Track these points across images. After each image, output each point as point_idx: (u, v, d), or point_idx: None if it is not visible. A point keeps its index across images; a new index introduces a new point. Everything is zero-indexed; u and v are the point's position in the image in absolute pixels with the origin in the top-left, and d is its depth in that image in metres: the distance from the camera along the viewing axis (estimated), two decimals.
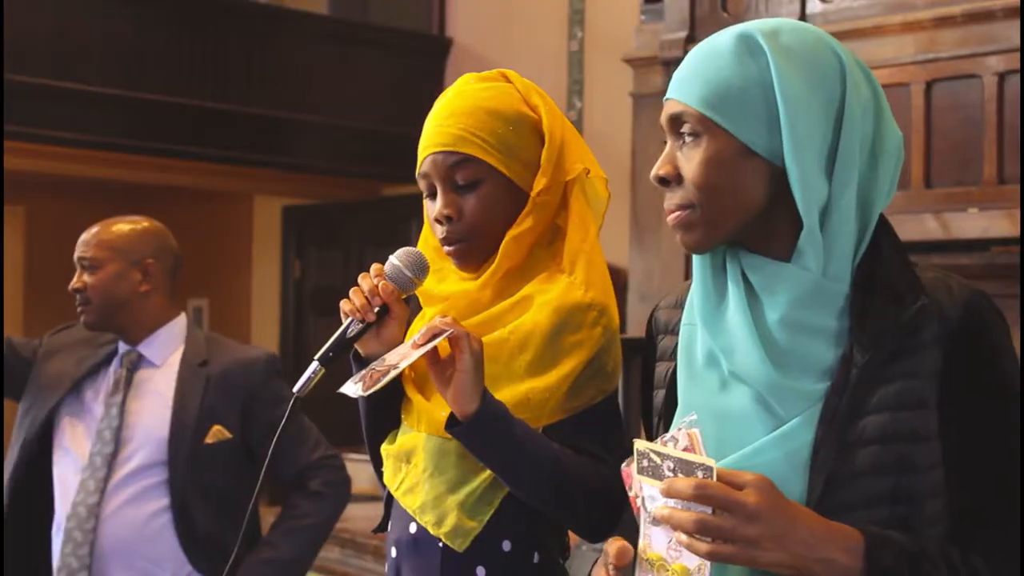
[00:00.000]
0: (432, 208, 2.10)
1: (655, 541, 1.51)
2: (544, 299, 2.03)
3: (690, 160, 1.59)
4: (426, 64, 10.31)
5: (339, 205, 11.08)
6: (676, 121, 1.61)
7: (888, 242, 1.61)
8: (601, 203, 2.18)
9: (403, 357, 1.91)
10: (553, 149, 2.10)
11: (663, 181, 1.62)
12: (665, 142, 1.65)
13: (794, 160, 1.55)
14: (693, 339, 1.66)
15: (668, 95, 1.63)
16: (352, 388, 1.93)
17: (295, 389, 1.97)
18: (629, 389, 4.46)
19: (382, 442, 2.17)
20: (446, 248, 2.10)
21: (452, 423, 1.92)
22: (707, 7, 7.07)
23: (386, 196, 10.82)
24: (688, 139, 1.60)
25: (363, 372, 1.95)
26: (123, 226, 3.37)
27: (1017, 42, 5.45)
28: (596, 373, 2.04)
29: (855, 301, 1.56)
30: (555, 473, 1.96)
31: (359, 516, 6.68)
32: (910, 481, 1.51)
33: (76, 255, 3.33)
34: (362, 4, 11.09)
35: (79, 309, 3.32)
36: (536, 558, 2.07)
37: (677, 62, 6.83)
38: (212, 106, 9.35)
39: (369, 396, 1.94)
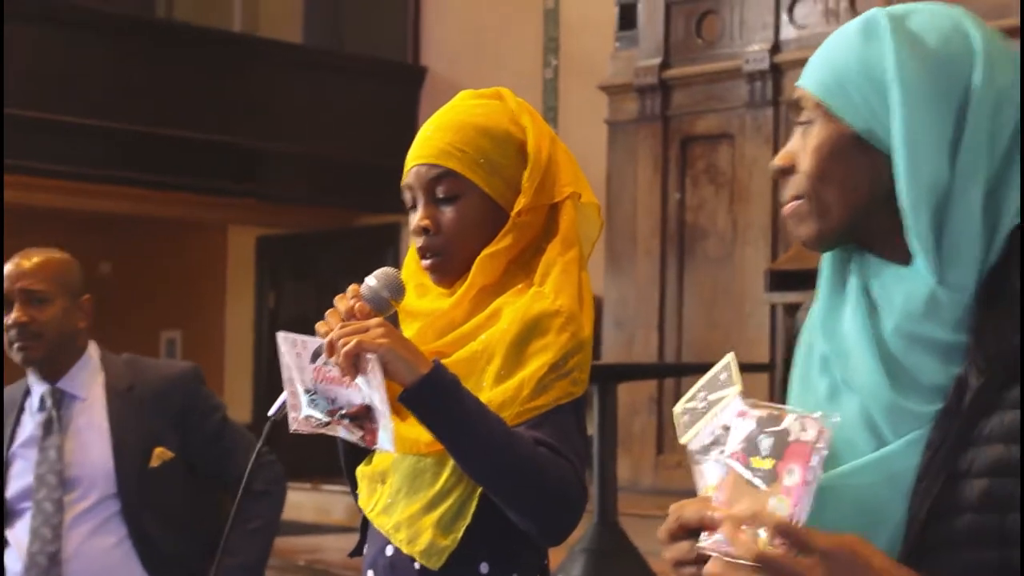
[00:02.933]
0: (413, 220, 2.11)
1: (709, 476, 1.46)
2: (512, 310, 2.03)
3: (804, 148, 1.52)
4: (400, 93, 10.33)
5: (314, 235, 11.07)
6: (797, 108, 1.54)
7: (1021, 254, 1.45)
8: (593, 229, 2.18)
9: (370, 395, 1.91)
10: (536, 170, 2.09)
11: (782, 171, 1.54)
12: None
13: (903, 150, 1.44)
14: (810, 342, 1.56)
15: (797, 82, 1.55)
16: (352, 437, 1.93)
17: (270, 413, 1.97)
18: (607, 413, 4.46)
19: (358, 461, 2.16)
20: (423, 262, 2.11)
21: (402, 392, 1.91)
22: (682, 33, 7.10)
23: (361, 225, 10.81)
24: (805, 126, 1.52)
25: (328, 421, 1.94)
26: (59, 256, 3.30)
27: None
28: (562, 376, 2.01)
29: (976, 316, 1.43)
30: (509, 453, 1.93)
31: (333, 547, 6.67)
32: (1016, 522, 1.37)
33: (18, 286, 3.19)
34: (336, 33, 11.09)
35: (19, 344, 3.17)
36: None
37: (651, 89, 6.88)
38: (185, 135, 9.34)
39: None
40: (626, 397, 4.66)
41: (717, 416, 1.48)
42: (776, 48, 6.73)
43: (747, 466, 1.38)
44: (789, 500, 1.34)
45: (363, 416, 1.91)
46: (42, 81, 8.77)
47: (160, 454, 3.16)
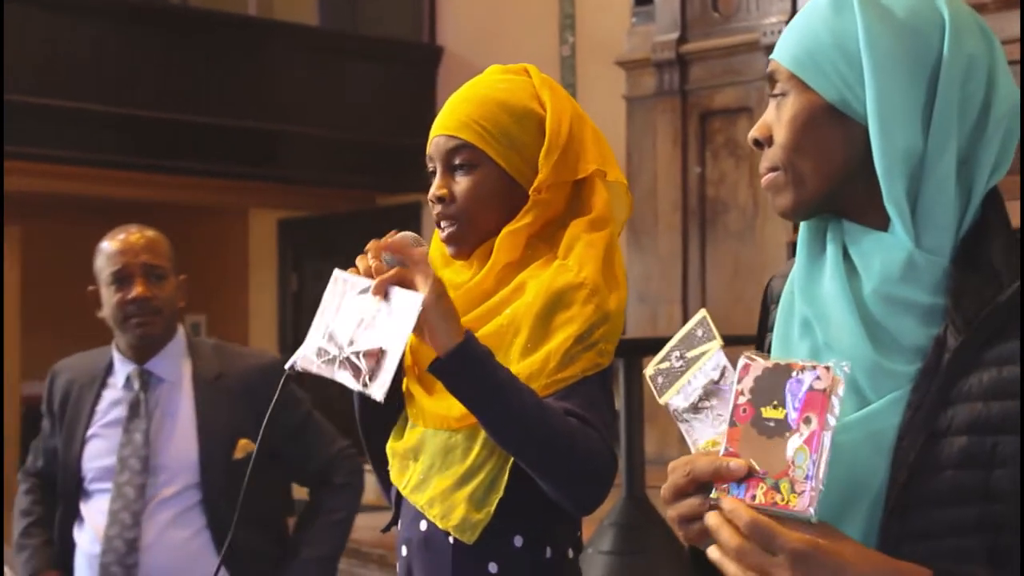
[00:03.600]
0: (430, 191, 2.15)
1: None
2: (536, 283, 2.05)
3: (778, 120, 1.54)
4: (417, 73, 10.32)
5: (334, 217, 11.08)
6: (771, 80, 1.56)
7: (996, 218, 1.50)
8: (622, 208, 2.20)
9: (389, 338, 1.90)
10: (554, 146, 2.11)
11: (757, 143, 1.57)
12: None
13: (876, 118, 1.47)
14: (791, 307, 1.58)
15: (771, 55, 1.58)
16: (349, 380, 1.91)
17: (287, 366, 2.00)
18: (632, 387, 4.47)
19: (381, 439, 2.18)
20: (440, 232, 2.15)
21: (433, 363, 1.93)
22: (698, 8, 7.08)
23: (381, 206, 10.82)
24: (779, 98, 1.55)
25: (335, 356, 1.94)
26: (163, 237, 3.27)
27: (1014, 33, 5.46)
28: (588, 348, 2.03)
29: (953, 278, 1.46)
30: (541, 423, 1.94)
31: (363, 526, 6.68)
32: (1001, 477, 1.39)
33: (141, 260, 3.16)
34: (352, 15, 11.09)
35: (138, 320, 3.15)
36: (548, 553, 2.08)
37: (669, 64, 6.87)
38: (204, 120, 9.35)
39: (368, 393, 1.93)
40: None
41: (700, 372, 1.49)
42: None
43: (757, 417, 1.39)
44: (809, 449, 1.36)
45: (373, 360, 1.90)
46: (59, 69, 8.79)
47: (244, 446, 3.13)
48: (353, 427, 2.26)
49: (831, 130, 1.51)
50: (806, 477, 1.35)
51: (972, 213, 1.50)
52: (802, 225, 1.58)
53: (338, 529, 3.27)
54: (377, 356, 1.90)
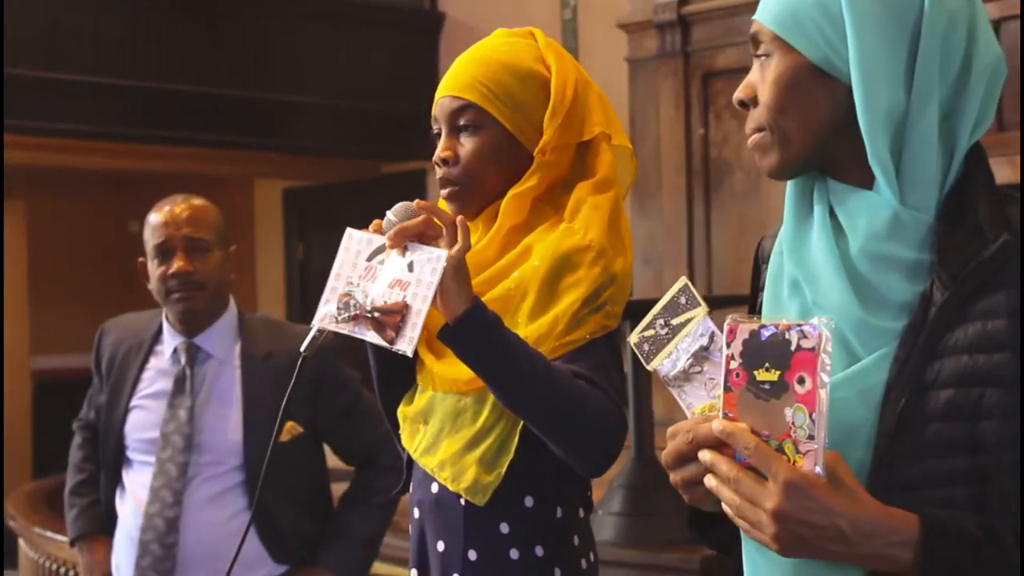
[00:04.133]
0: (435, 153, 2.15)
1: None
2: (542, 246, 2.06)
3: (763, 80, 1.55)
4: (420, 40, 10.30)
5: (339, 185, 11.08)
6: (754, 41, 1.57)
7: (979, 174, 1.51)
8: (627, 172, 2.21)
9: (413, 294, 1.91)
10: (559, 108, 2.12)
11: (742, 104, 1.58)
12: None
13: (859, 77, 1.48)
14: (780, 266, 1.59)
15: (753, 16, 1.58)
16: (372, 336, 1.92)
17: (302, 348, 2.01)
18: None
19: (397, 403, 2.20)
20: (442, 192, 2.15)
21: (443, 329, 1.94)
22: None
23: (386, 174, 10.81)
24: (763, 59, 1.55)
25: (357, 314, 1.94)
26: (210, 205, 3.18)
27: None
28: (595, 310, 2.04)
29: (939, 234, 1.47)
30: (550, 386, 1.95)
31: None
32: (987, 428, 1.41)
33: (182, 233, 3.09)
34: None
35: (180, 295, 3.09)
36: (559, 513, 2.10)
37: (671, 25, 6.84)
38: (207, 91, 9.34)
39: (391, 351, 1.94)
40: None
41: (689, 338, 1.50)
42: None
43: (752, 380, 1.40)
44: (807, 408, 1.37)
45: (397, 315, 1.90)
46: (63, 41, 8.77)
47: (290, 428, 3.03)
48: None
49: (815, 89, 1.52)
50: (809, 437, 1.37)
51: (956, 169, 1.51)
52: (788, 184, 1.59)
53: (383, 511, 3.19)
54: (401, 311, 1.90)
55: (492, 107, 2.11)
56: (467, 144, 2.12)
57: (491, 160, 2.12)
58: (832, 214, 1.54)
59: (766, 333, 1.40)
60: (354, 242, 1.98)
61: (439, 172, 2.14)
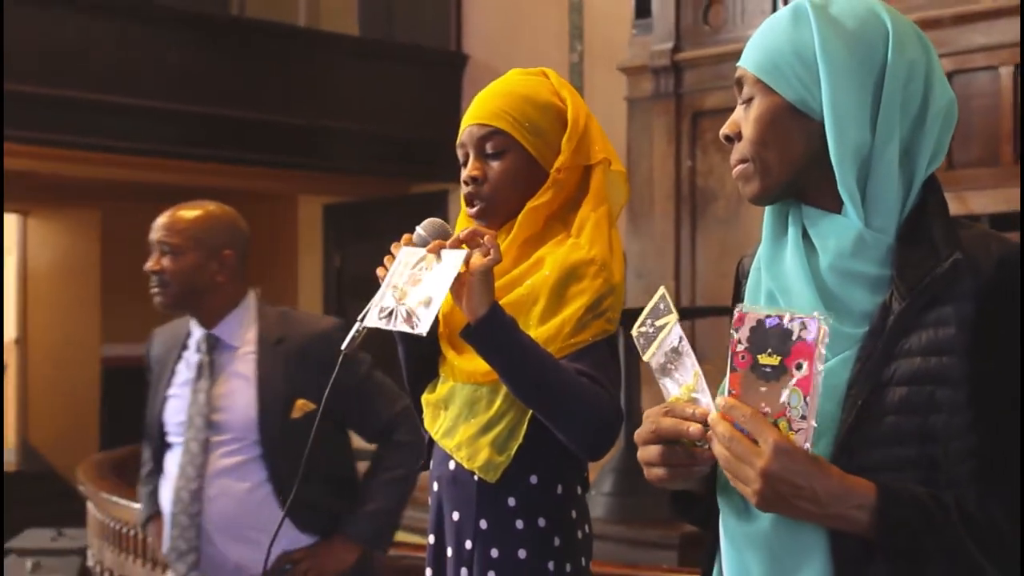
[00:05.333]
0: (464, 173, 2.15)
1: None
2: (553, 258, 2.07)
3: (746, 118, 1.55)
4: (445, 76, 10.31)
5: (373, 202, 11.09)
6: (739, 84, 1.58)
7: (934, 201, 1.51)
8: (621, 195, 2.21)
9: (434, 284, 1.94)
10: (575, 133, 2.13)
11: (728, 139, 1.59)
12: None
13: (831, 116, 1.48)
14: (758, 281, 1.60)
15: (738, 63, 1.60)
16: (403, 326, 1.95)
17: (343, 347, 2.03)
18: (632, 352, 4.48)
19: (422, 391, 2.21)
20: (469, 210, 2.15)
21: (465, 329, 1.95)
22: (691, 20, 7.07)
23: (414, 192, 10.82)
24: (747, 100, 1.56)
25: (387, 308, 1.98)
26: (200, 213, 3.11)
27: (967, 45, 5.44)
28: (597, 316, 2.05)
29: (898, 253, 1.48)
30: (557, 383, 1.97)
31: None
32: (936, 421, 1.42)
33: (155, 238, 3.07)
34: (388, 24, 11.08)
35: (154, 290, 3.06)
36: (559, 490, 2.10)
37: (665, 70, 6.83)
38: (258, 117, 9.37)
39: (414, 339, 1.99)
40: None
41: (665, 340, 1.52)
42: None
43: (755, 363, 1.41)
44: (802, 392, 1.38)
45: (423, 306, 1.93)
46: (134, 71, 8.81)
47: (302, 406, 2.97)
48: None
49: (792, 126, 1.52)
50: (801, 416, 1.37)
51: (913, 197, 1.52)
52: (767, 209, 1.59)
53: (399, 485, 3.11)
54: (426, 303, 1.93)
55: (517, 133, 2.12)
56: (495, 166, 2.13)
57: (515, 179, 2.12)
58: (805, 235, 1.54)
59: (771, 322, 1.40)
60: (403, 255, 2.02)
61: (466, 190, 2.14)
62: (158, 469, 3.18)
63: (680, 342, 1.50)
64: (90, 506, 5.46)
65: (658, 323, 1.53)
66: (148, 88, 8.85)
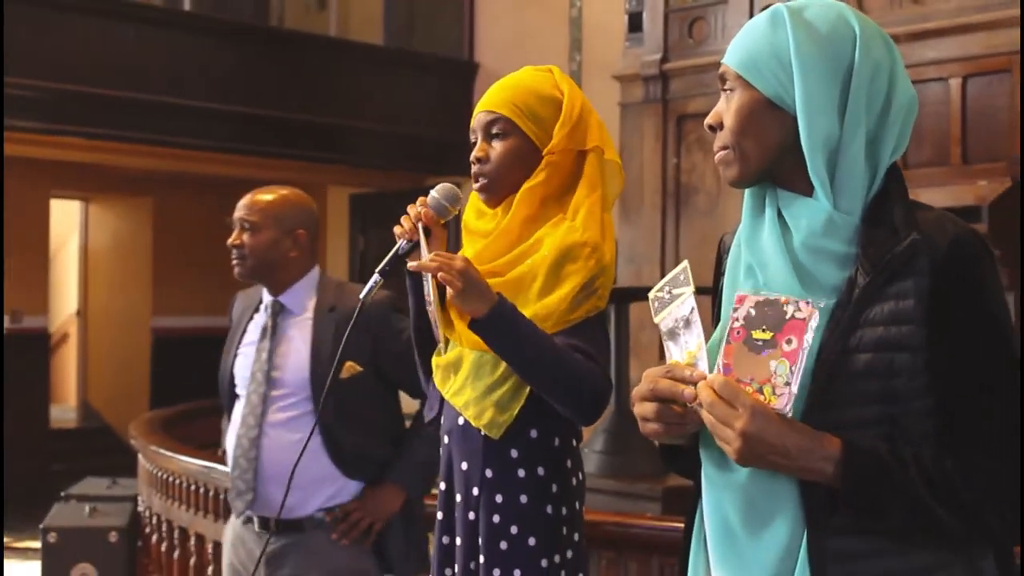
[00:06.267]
0: (472, 154, 2.17)
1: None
2: (551, 239, 2.07)
3: (728, 110, 1.55)
4: (458, 82, 10.31)
5: (393, 193, 11.07)
6: (722, 79, 1.57)
7: (896, 187, 1.51)
8: (617, 183, 2.20)
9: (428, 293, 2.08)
10: (567, 120, 2.13)
11: (711, 128, 1.58)
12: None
13: (803, 110, 1.48)
14: (738, 256, 1.59)
15: (722, 60, 1.59)
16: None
17: (360, 295, 2.09)
18: (621, 326, 4.50)
19: (429, 354, 2.23)
20: (475, 184, 2.16)
21: (472, 323, 1.99)
22: (677, 35, 7.07)
23: (429, 185, 10.72)
24: (728, 93, 1.56)
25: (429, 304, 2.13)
26: (278, 196, 3.10)
27: (919, 59, 5.43)
28: (590, 294, 2.05)
29: (863, 232, 1.48)
30: (554, 362, 1.98)
31: None
32: (897, 384, 1.43)
33: (237, 215, 3.06)
34: (409, 36, 11.07)
35: (234, 261, 3.06)
36: (556, 442, 2.11)
37: (654, 78, 6.80)
38: (294, 116, 9.38)
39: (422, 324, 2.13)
40: (636, 315, 4.70)
41: (680, 307, 1.52)
42: None
43: (749, 337, 1.41)
44: (788, 362, 1.39)
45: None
46: (185, 76, 8.83)
47: (350, 367, 2.96)
48: None
49: (768, 118, 1.52)
50: (785, 383, 1.38)
51: (878, 183, 1.52)
52: (746, 192, 1.59)
53: (436, 439, 3.09)
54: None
55: (517, 119, 2.12)
56: (497, 147, 2.13)
57: (514, 160, 2.12)
58: (780, 215, 1.54)
59: (768, 304, 1.41)
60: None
61: (474, 168, 2.15)
62: (229, 416, 3.19)
63: (692, 312, 1.49)
64: (140, 458, 5.50)
65: (675, 291, 1.52)
66: (196, 91, 8.87)
